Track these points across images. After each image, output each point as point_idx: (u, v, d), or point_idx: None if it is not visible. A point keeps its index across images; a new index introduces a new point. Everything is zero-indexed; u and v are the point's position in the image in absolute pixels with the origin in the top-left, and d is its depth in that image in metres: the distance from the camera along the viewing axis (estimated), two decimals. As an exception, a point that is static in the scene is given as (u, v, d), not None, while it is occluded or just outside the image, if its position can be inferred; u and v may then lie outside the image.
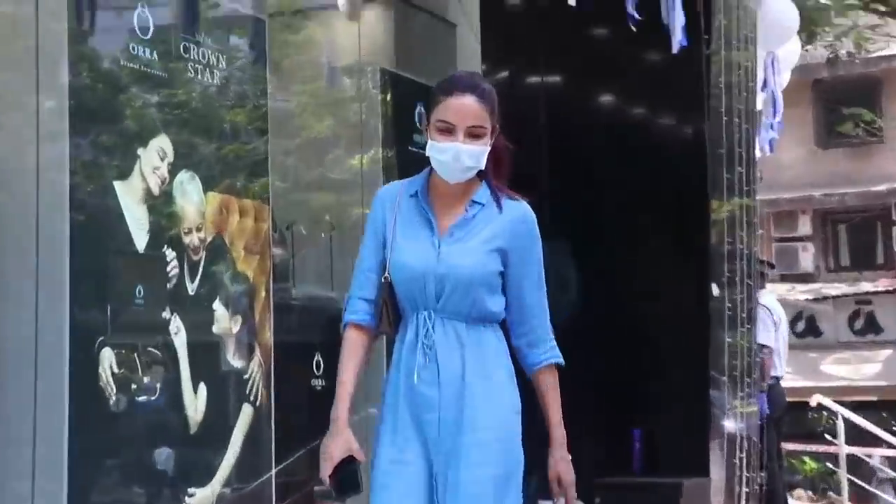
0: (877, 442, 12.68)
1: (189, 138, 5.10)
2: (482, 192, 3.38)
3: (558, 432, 3.43)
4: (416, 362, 3.24)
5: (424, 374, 3.23)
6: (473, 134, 3.28)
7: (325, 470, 3.16)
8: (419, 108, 6.27)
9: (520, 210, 3.42)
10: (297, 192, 5.58)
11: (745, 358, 7.49)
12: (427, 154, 3.34)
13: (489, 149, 3.34)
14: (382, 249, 3.35)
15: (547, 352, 3.46)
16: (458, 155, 3.25)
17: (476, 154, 3.29)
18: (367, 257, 3.40)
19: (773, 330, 9.21)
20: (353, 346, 3.32)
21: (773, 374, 9.10)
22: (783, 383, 9.59)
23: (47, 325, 4.51)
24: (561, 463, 3.45)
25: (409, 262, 3.31)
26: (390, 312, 3.31)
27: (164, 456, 4.99)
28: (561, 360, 3.48)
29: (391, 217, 3.34)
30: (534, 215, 3.45)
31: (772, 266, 10.69)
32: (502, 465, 3.29)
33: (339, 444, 3.18)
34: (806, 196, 22.09)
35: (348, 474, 3.12)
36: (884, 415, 17.02)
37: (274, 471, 5.33)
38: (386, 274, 3.31)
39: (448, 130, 3.26)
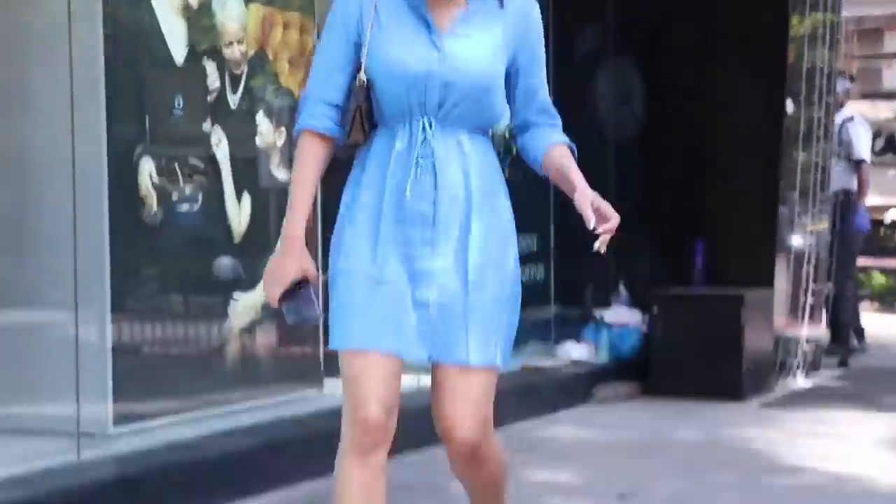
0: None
1: (227, -52, 5.08)
2: None
3: (584, 182, 2.77)
4: (409, 175, 2.70)
5: (416, 189, 2.70)
6: None
7: (275, 293, 2.64)
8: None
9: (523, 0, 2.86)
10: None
11: (818, 174, 7.42)
12: None
13: None
14: (354, 46, 2.73)
15: (560, 134, 2.87)
16: None
17: None
18: (333, 54, 2.75)
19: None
20: (313, 156, 2.72)
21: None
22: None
23: (84, 137, 4.54)
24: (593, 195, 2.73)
25: (405, 61, 2.68)
26: (365, 119, 2.71)
27: (221, 265, 5.15)
28: (572, 144, 2.89)
29: (369, 7, 2.70)
30: (537, 4, 2.88)
31: (852, 79, 10.27)
32: (508, 285, 2.80)
33: (291, 263, 2.65)
34: (894, 13, 20.98)
35: (303, 298, 2.62)
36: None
37: (320, 276, 5.31)
38: (362, 74, 2.69)
39: None
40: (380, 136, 2.73)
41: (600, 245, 2.64)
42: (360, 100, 2.68)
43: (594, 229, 2.63)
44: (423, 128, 2.70)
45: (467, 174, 2.73)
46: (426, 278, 2.69)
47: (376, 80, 2.68)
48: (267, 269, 2.67)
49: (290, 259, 2.65)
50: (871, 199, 9.25)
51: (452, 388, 2.70)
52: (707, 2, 7.30)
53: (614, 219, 2.65)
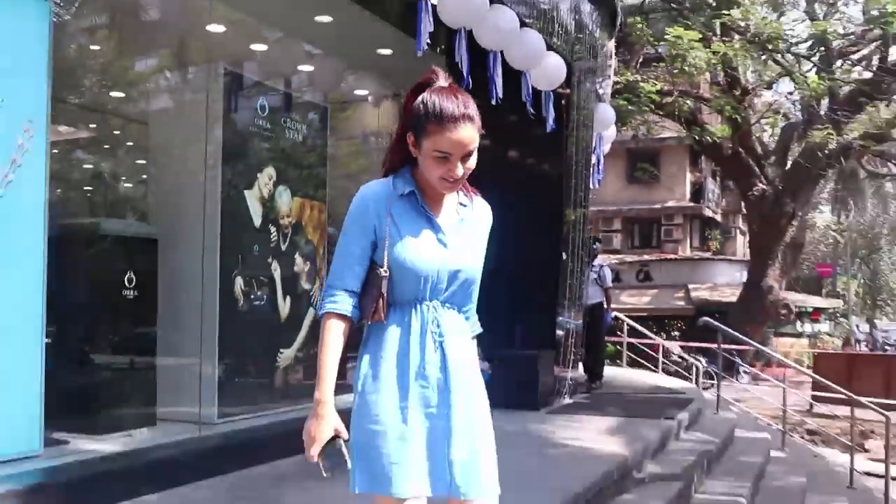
0: (645, 336, 12.67)
1: (284, 168, 5.17)
2: (462, 195, 2.09)
3: None
4: (426, 348, 1.99)
5: (432, 359, 1.98)
6: (467, 155, 1.95)
7: (314, 450, 1.90)
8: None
9: (486, 209, 2.14)
10: (341, 199, 5.57)
11: (576, 293, 7.50)
12: (421, 168, 1.98)
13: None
14: (371, 244, 1.99)
15: (476, 324, 2.16)
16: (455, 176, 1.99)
17: (467, 171, 1.99)
18: (355, 251, 1.99)
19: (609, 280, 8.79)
20: (337, 335, 1.95)
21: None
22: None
23: (209, 266, 4.63)
24: None
25: (421, 256, 1.97)
26: (384, 304, 1.99)
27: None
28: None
29: (384, 215, 1.97)
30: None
31: (600, 241, 10.20)
32: (491, 428, 2.09)
33: (326, 426, 1.91)
34: (618, 209, 24.71)
35: (335, 452, 1.90)
36: (649, 323, 17.87)
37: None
38: (385, 267, 1.97)
39: (445, 159, 1.93)
40: (394, 315, 1.99)
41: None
42: (382, 288, 1.96)
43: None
44: (434, 309, 1.99)
45: (465, 347, 2.04)
46: (447, 433, 1.97)
47: (395, 272, 1.97)
48: (305, 430, 1.91)
49: (324, 422, 1.91)
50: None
51: None
52: (515, 203, 7.22)
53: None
